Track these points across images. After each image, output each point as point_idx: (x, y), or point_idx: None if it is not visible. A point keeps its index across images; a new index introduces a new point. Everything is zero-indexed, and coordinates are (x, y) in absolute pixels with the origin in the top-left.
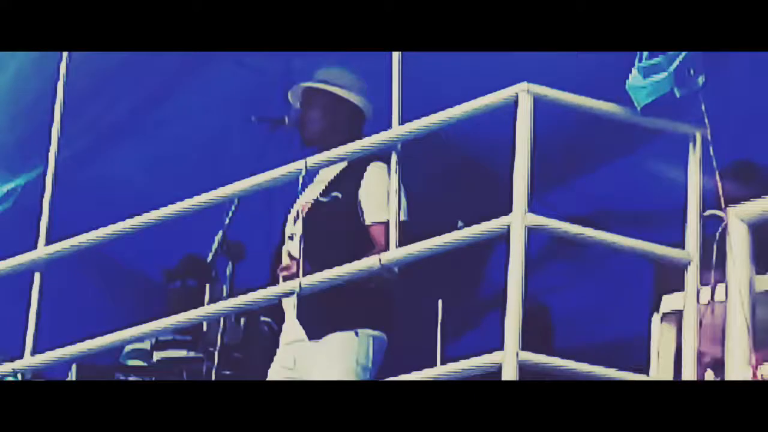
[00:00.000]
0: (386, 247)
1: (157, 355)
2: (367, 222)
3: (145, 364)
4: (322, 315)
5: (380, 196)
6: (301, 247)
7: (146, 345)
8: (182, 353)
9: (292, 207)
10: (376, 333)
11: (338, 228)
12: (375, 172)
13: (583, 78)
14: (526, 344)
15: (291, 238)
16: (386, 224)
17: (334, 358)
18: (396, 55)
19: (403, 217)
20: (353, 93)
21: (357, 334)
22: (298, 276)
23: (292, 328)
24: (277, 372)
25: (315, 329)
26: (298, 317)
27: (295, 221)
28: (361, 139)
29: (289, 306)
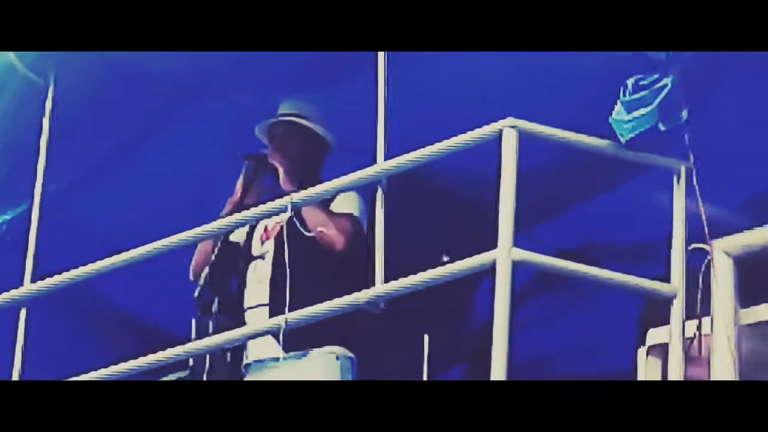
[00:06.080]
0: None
1: None
2: (332, 208)
3: None
4: (301, 333)
5: (345, 202)
6: (288, 279)
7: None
8: None
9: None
10: (350, 354)
11: (318, 261)
12: (343, 196)
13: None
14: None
15: (262, 257)
16: (348, 215)
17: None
18: (380, 66)
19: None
20: (316, 124)
21: (338, 358)
22: None
23: (266, 345)
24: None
25: (292, 346)
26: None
27: (262, 242)
28: (323, 169)
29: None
